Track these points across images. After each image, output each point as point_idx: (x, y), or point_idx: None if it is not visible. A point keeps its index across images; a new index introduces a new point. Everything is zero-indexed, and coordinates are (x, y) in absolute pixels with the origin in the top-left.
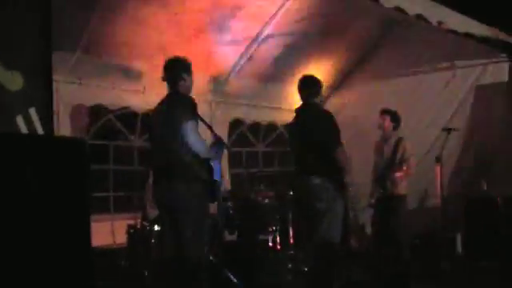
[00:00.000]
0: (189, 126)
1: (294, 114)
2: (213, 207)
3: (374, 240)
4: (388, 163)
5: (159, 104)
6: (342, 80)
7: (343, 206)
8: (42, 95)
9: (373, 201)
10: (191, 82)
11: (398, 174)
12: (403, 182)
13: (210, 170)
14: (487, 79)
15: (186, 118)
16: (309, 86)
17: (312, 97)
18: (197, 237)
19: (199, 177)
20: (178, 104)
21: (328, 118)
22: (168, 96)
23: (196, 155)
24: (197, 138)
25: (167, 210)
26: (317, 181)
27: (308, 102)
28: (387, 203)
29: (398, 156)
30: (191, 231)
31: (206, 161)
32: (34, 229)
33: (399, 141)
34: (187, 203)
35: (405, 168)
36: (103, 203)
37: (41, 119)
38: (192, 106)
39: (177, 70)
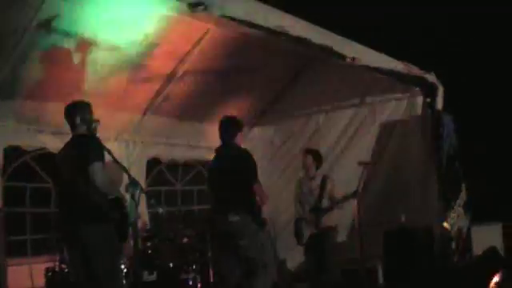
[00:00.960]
0: (95, 167)
1: (215, 154)
2: (129, 248)
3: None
4: (318, 200)
5: (66, 145)
6: (259, 117)
7: (266, 238)
8: None
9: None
10: (91, 123)
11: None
12: (331, 215)
13: (122, 208)
14: (402, 113)
15: (92, 160)
16: (229, 126)
17: (232, 137)
18: (110, 277)
19: (109, 217)
20: (85, 146)
21: (246, 157)
22: (73, 138)
23: (104, 195)
24: (104, 178)
25: (78, 252)
26: (236, 218)
27: (228, 141)
28: (320, 237)
29: (327, 193)
30: (104, 272)
31: (117, 200)
32: None
33: (325, 178)
34: (98, 244)
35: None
36: (21, 246)
37: None
38: (98, 147)
39: (73, 115)
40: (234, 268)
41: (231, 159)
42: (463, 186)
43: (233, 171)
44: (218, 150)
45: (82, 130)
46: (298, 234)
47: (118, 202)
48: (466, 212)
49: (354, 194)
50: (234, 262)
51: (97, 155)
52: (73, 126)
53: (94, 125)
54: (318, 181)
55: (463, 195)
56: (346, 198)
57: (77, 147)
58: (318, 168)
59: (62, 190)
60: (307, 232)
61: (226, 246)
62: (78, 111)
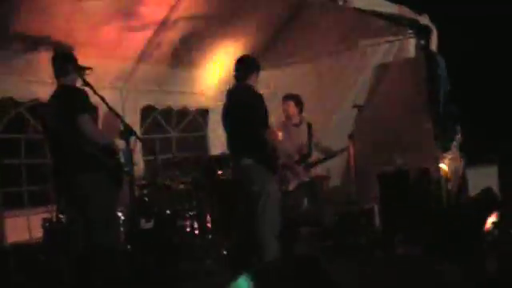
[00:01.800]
0: (83, 119)
1: (226, 94)
2: (126, 196)
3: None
4: (307, 148)
5: (51, 98)
6: None
7: (277, 187)
8: None
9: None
10: (77, 73)
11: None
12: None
13: (115, 155)
14: (393, 56)
15: (79, 111)
16: (242, 66)
17: (244, 77)
18: (106, 225)
19: (102, 165)
20: (71, 98)
21: (257, 100)
22: (58, 90)
23: (96, 144)
24: (93, 128)
25: (73, 201)
26: (248, 162)
27: (241, 82)
28: (310, 186)
29: (313, 140)
30: (100, 220)
31: (110, 148)
32: None
33: (310, 126)
34: (93, 193)
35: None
36: (17, 198)
37: None
38: (85, 98)
39: (61, 63)
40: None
41: (241, 101)
42: (458, 127)
43: (241, 114)
44: (229, 91)
45: (70, 79)
46: (282, 181)
47: (111, 149)
48: (461, 153)
49: (350, 137)
50: (247, 207)
51: (83, 107)
52: (60, 75)
53: (86, 72)
54: (303, 127)
55: (459, 137)
56: (342, 151)
57: (63, 99)
58: (300, 112)
59: (52, 140)
60: (294, 180)
61: (241, 190)
62: (68, 59)
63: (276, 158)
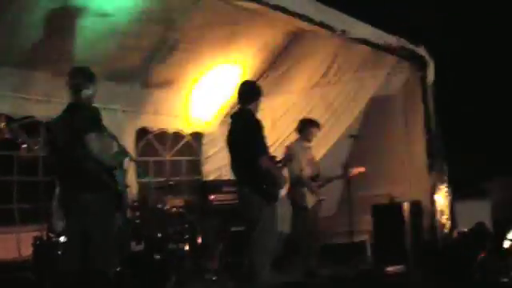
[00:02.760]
0: (92, 137)
1: (230, 120)
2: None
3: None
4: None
5: (62, 113)
6: None
7: (273, 216)
8: None
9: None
10: (94, 92)
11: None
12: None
13: (115, 179)
14: (392, 88)
15: (90, 129)
16: (244, 91)
17: (246, 103)
18: (106, 247)
19: (107, 186)
20: (83, 115)
21: (255, 126)
22: (71, 106)
23: (101, 165)
24: (101, 148)
25: (75, 221)
26: (245, 190)
27: (242, 107)
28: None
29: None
30: (100, 242)
31: (111, 170)
32: None
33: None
34: (96, 214)
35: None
36: (8, 215)
37: None
38: (97, 116)
39: (81, 78)
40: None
41: (239, 127)
42: (445, 161)
43: (239, 140)
44: (231, 117)
45: (85, 96)
46: (302, 199)
47: (112, 171)
48: (448, 187)
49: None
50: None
51: (93, 125)
52: (76, 90)
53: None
54: (312, 151)
55: (446, 170)
56: (337, 177)
57: (74, 115)
58: None
59: (58, 157)
60: (312, 197)
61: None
62: (86, 75)
63: (275, 186)
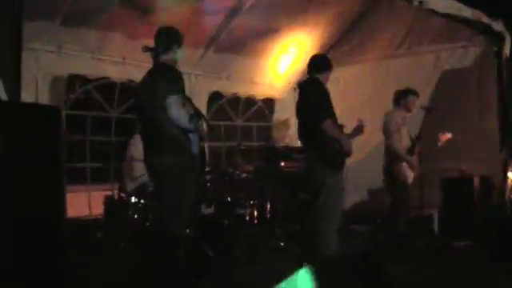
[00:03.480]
0: (173, 100)
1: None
2: None
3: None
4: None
5: (146, 75)
6: None
7: (338, 185)
8: (8, 64)
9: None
10: (179, 55)
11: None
12: None
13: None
14: (466, 61)
15: (170, 92)
16: (313, 62)
17: (315, 72)
18: (179, 209)
19: (185, 150)
20: (165, 77)
21: (320, 93)
22: (155, 67)
23: (180, 128)
24: (180, 111)
25: (155, 181)
26: (311, 157)
27: (310, 76)
28: None
29: None
30: (173, 204)
31: (188, 134)
32: (5, 198)
33: None
34: (173, 176)
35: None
36: (80, 174)
37: (8, 88)
38: (179, 79)
39: (171, 39)
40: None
41: (305, 95)
42: None
43: (305, 108)
44: (300, 85)
45: (169, 57)
46: (400, 174)
47: (189, 135)
48: None
49: (418, 138)
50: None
51: (173, 88)
52: (160, 52)
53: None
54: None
55: None
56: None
57: (156, 77)
58: None
59: (142, 119)
60: (410, 173)
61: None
62: (171, 37)
63: (340, 153)
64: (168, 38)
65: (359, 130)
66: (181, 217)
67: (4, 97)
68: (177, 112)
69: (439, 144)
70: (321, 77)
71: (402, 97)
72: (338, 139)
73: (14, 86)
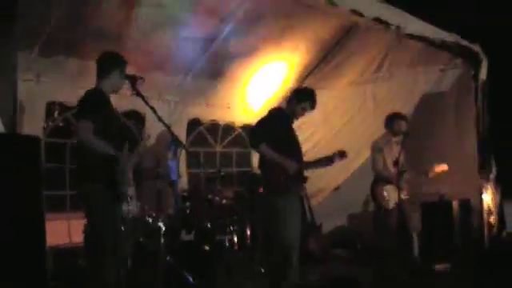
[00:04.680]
0: (80, 125)
1: None
2: (170, 206)
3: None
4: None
5: None
6: (298, 83)
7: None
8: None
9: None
10: (120, 81)
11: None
12: None
13: (112, 169)
14: (444, 85)
15: (79, 117)
16: (296, 91)
17: (290, 102)
18: (93, 237)
19: (100, 177)
20: (81, 101)
21: (261, 119)
22: None
23: (94, 153)
24: (88, 136)
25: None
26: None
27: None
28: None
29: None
30: (94, 232)
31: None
32: None
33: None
34: (90, 204)
35: None
36: (60, 202)
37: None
38: (89, 102)
39: (110, 64)
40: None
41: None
42: (493, 160)
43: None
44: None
45: (105, 83)
46: (381, 199)
47: (112, 160)
48: (497, 186)
49: (396, 163)
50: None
51: (83, 112)
52: (99, 77)
53: (137, 82)
54: (398, 147)
55: (494, 169)
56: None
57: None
58: None
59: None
60: (392, 198)
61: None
62: (111, 62)
63: (282, 176)
64: (108, 63)
65: (329, 159)
66: (101, 244)
67: (2, 129)
68: (84, 137)
69: (431, 174)
70: (288, 107)
71: (390, 120)
72: (278, 163)
73: (11, 118)
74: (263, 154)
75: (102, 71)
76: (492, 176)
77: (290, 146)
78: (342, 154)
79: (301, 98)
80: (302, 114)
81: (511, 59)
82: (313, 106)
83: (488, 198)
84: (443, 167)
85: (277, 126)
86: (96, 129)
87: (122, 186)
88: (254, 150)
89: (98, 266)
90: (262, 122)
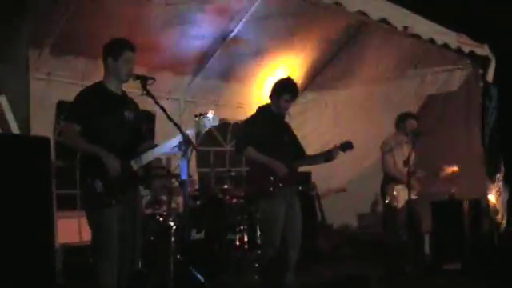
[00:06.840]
0: (63, 128)
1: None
2: (180, 206)
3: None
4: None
5: None
6: (307, 83)
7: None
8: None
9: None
10: (118, 66)
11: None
12: None
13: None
14: (452, 85)
15: (63, 119)
16: (273, 86)
17: (271, 97)
18: (93, 243)
19: (86, 177)
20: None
21: (246, 121)
22: None
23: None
24: (69, 140)
25: None
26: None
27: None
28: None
29: None
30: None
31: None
32: None
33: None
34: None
35: None
36: (70, 200)
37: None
38: (75, 104)
39: (103, 54)
40: None
41: None
42: (502, 159)
43: None
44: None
45: (104, 74)
46: (392, 198)
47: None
48: (505, 185)
49: (406, 163)
50: None
51: (67, 114)
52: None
53: (148, 82)
54: (409, 147)
55: (502, 168)
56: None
57: None
58: None
59: None
60: (402, 198)
61: None
62: (107, 50)
63: (266, 176)
64: (103, 51)
65: (329, 153)
66: (96, 245)
67: (16, 130)
68: (64, 137)
69: (442, 175)
70: (273, 103)
71: (401, 120)
72: (266, 164)
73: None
74: (249, 158)
75: (103, 62)
76: (499, 175)
77: (279, 143)
78: (346, 146)
79: (279, 91)
80: (288, 106)
81: None
82: (294, 94)
83: (493, 197)
84: (454, 168)
85: (265, 125)
86: (89, 128)
87: (122, 185)
88: (241, 155)
89: (95, 267)
90: (247, 123)
